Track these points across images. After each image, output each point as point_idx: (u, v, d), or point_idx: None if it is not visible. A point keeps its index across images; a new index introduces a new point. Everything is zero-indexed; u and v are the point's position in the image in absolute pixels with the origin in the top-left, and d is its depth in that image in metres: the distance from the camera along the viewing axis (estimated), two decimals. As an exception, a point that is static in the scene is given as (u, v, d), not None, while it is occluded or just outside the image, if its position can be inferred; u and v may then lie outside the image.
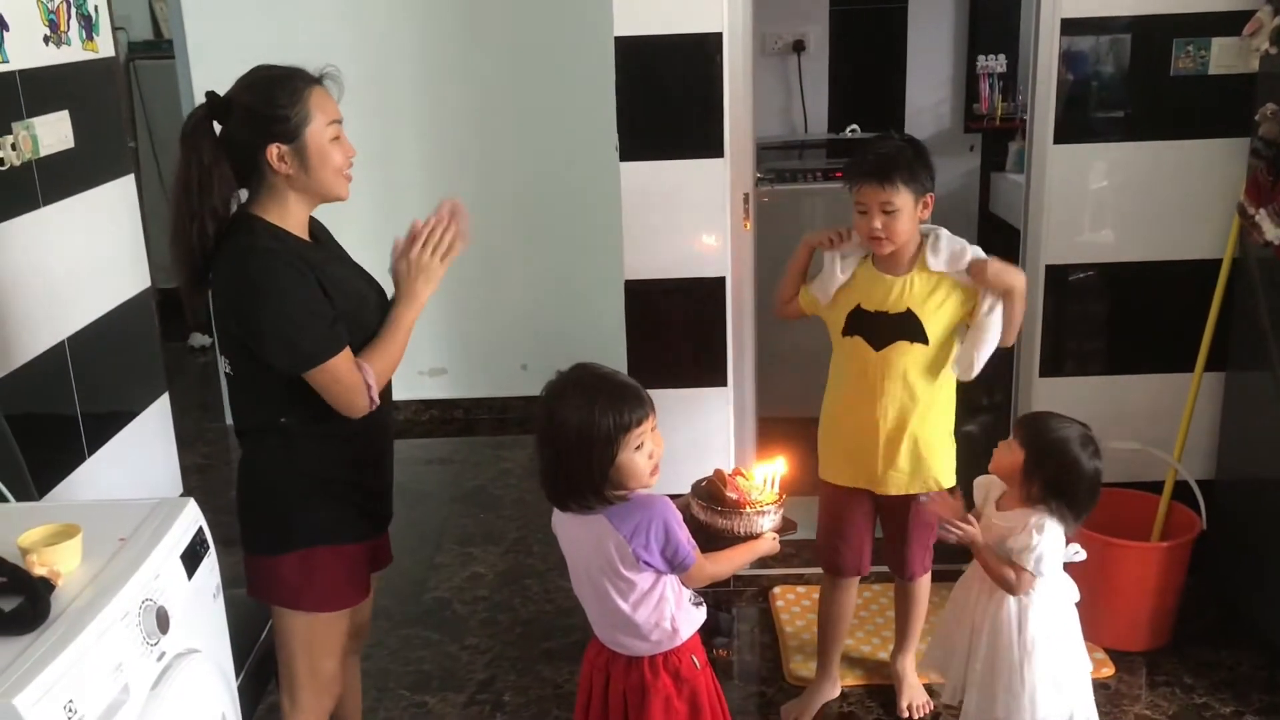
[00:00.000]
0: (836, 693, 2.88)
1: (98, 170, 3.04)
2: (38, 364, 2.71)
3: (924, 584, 2.80)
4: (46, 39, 2.81)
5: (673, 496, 2.14)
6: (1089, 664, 2.44)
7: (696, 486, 2.20)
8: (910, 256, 2.56)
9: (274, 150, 1.99)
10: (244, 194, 2.09)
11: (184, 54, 4.56)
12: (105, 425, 3.03)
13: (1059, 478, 2.27)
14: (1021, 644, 2.33)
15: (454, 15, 4.53)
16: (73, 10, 2.92)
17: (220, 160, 2.00)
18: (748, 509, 2.12)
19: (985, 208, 5.06)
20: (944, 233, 2.58)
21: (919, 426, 2.59)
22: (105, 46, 3.12)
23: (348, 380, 2.00)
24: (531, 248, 4.76)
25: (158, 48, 6.10)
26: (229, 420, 2.09)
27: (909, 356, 2.55)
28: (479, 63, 4.56)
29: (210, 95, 2.02)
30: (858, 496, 2.71)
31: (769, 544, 2.14)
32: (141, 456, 3.21)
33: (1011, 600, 2.33)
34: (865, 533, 2.76)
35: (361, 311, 2.10)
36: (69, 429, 2.86)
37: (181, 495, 3.33)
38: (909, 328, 2.54)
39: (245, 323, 1.98)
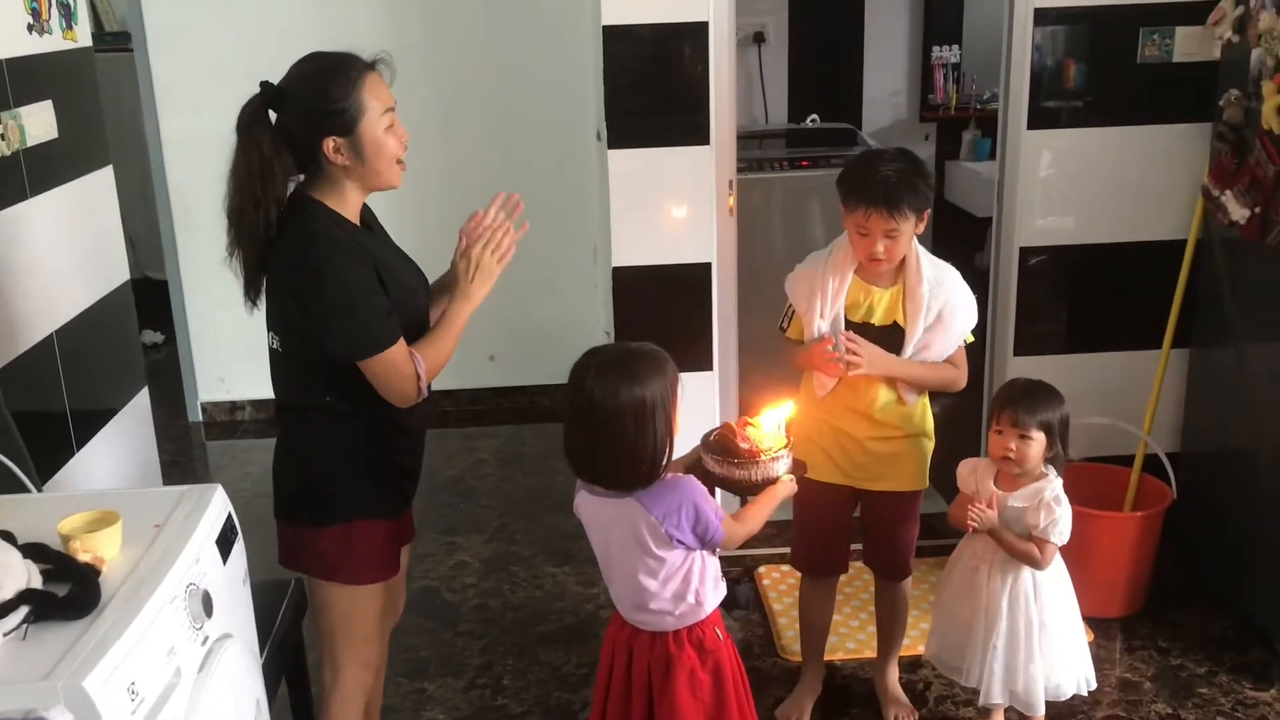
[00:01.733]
0: (818, 693, 2.87)
1: (80, 160, 3.00)
2: (30, 356, 2.68)
3: (907, 586, 2.79)
4: (30, 27, 2.77)
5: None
6: (1079, 615, 2.55)
7: (706, 440, 2.22)
8: (896, 268, 2.52)
9: (330, 144, 1.99)
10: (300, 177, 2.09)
11: (143, 47, 4.48)
12: (92, 419, 2.99)
13: (1065, 433, 2.45)
14: (1040, 613, 2.44)
15: (419, 3, 4.50)
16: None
17: (281, 150, 2.00)
18: (762, 456, 2.15)
19: (941, 195, 5.19)
20: (948, 278, 2.53)
21: (904, 428, 2.58)
22: (84, 36, 3.08)
23: (402, 370, 2.03)
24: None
25: (100, 40, 5.96)
26: (272, 396, 2.09)
27: None
28: (446, 53, 4.52)
29: (264, 85, 2.01)
30: (838, 494, 2.66)
31: (788, 486, 2.18)
32: (126, 450, 3.18)
33: (1026, 575, 2.42)
34: (845, 532, 2.74)
35: (412, 301, 2.13)
36: (58, 423, 2.82)
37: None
38: (891, 341, 2.52)
39: (306, 307, 1.99)
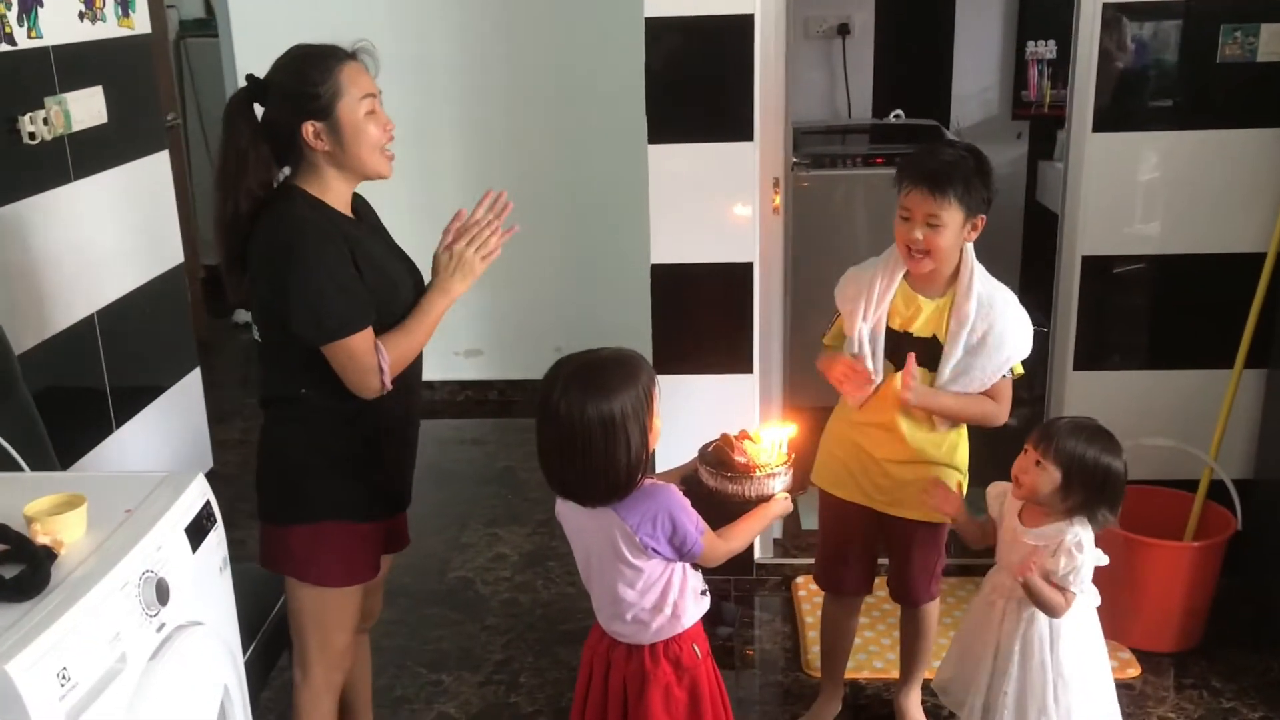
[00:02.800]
0: (838, 709, 2.78)
1: (131, 146, 3.07)
2: (67, 336, 2.75)
3: (931, 611, 2.65)
4: (81, 15, 2.84)
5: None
6: (1110, 675, 2.35)
7: (704, 453, 2.15)
8: (947, 279, 2.38)
9: (309, 128, 2.00)
10: (288, 170, 2.11)
11: (228, 32, 4.60)
12: (134, 399, 3.07)
13: (1102, 489, 2.18)
14: (1055, 664, 2.25)
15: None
16: (108, -13, 2.95)
17: (258, 142, 2.02)
18: (757, 472, 2.07)
19: (1031, 196, 4.97)
20: (1001, 299, 2.36)
21: (930, 454, 2.44)
22: (142, 24, 3.15)
23: (363, 360, 2.00)
24: (567, 230, 4.75)
25: (209, 26, 6.16)
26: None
27: (928, 383, 2.39)
28: (518, 43, 4.55)
29: (250, 78, 2.05)
30: (858, 512, 2.54)
31: (782, 505, 2.10)
32: (171, 430, 3.25)
33: (1042, 618, 2.24)
34: (868, 553, 2.61)
35: (393, 294, 2.10)
36: (97, 401, 2.90)
37: (212, 470, 3.41)
38: (930, 354, 2.38)
39: (274, 287, 2.00)
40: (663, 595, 2.01)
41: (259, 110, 2.03)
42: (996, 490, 2.39)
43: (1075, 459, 2.17)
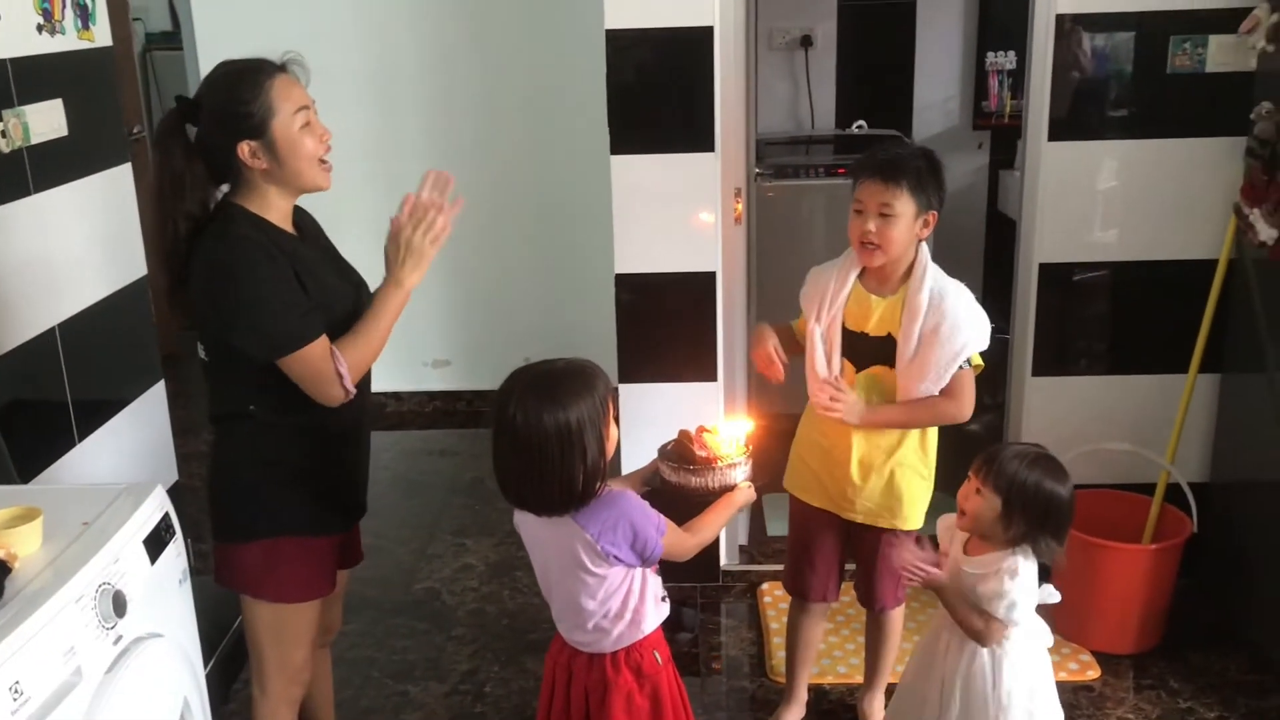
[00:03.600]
0: (802, 714, 2.80)
1: (92, 159, 3.05)
2: (28, 349, 2.73)
3: (896, 617, 2.67)
4: (40, 28, 2.83)
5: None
6: (1060, 714, 2.30)
7: (663, 450, 2.18)
8: (899, 277, 2.42)
9: (245, 147, 1.99)
10: (225, 187, 2.10)
11: (193, 44, 4.60)
12: (97, 412, 3.05)
13: (1044, 517, 2.13)
14: (996, 698, 2.19)
15: (458, 5, 4.53)
16: (67, 0, 2.94)
17: (194, 163, 2.01)
18: (719, 463, 2.10)
19: (993, 205, 5.03)
20: (954, 292, 2.38)
21: (894, 458, 2.46)
22: (102, 36, 3.13)
23: (321, 369, 2.00)
24: (536, 239, 4.77)
25: (175, 38, 6.14)
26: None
27: (886, 382, 2.42)
28: (483, 54, 4.57)
29: (180, 99, 2.03)
30: (827, 519, 2.57)
31: (746, 494, 2.13)
32: (134, 443, 3.24)
33: (984, 651, 2.20)
34: (834, 559, 2.63)
35: (339, 306, 2.09)
36: (59, 415, 2.88)
37: (176, 482, 3.40)
38: (886, 354, 2.41)
39: (218, 307, 1.99)
40: (623, 602, 2.02)
41: (192, 130, 2.02)
42: (946, 523, 2.36)
43: (1015, 485, 2.12)
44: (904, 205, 2.32)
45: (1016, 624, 2.16)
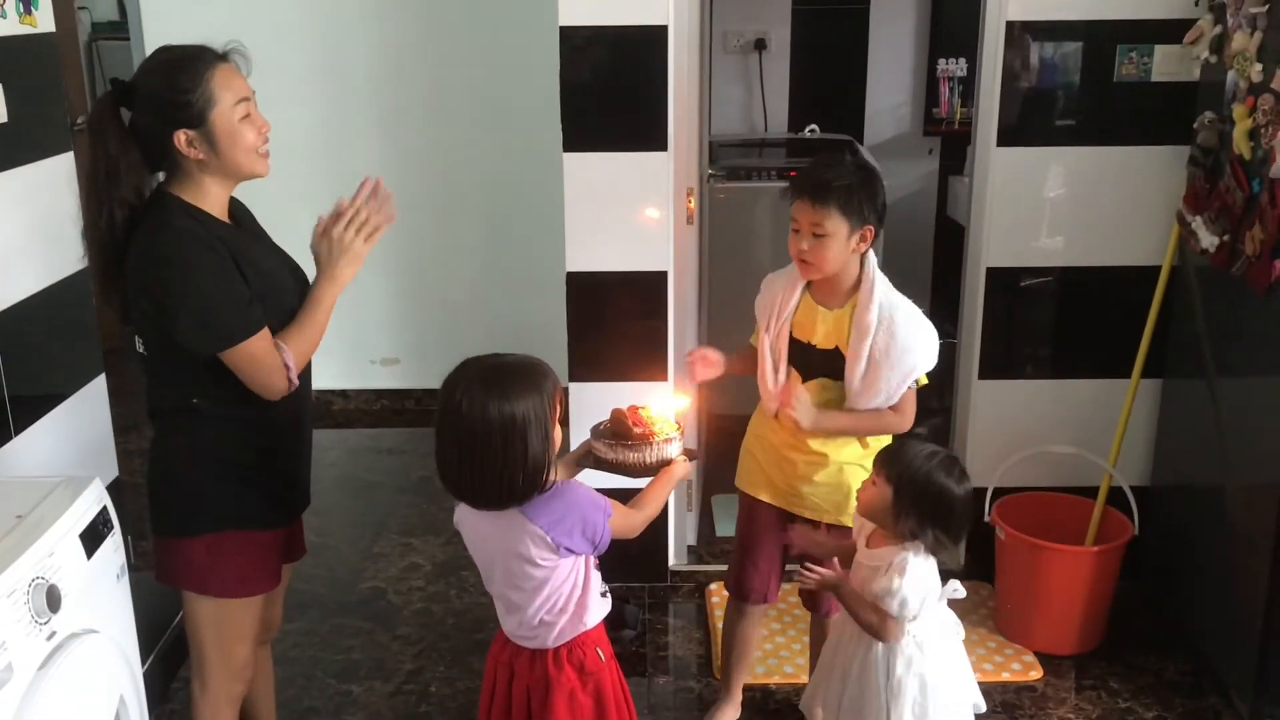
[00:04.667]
0: (737, 714, 2.81)
1: (33, 147, 2.98)
2: (-37, 341, 2.67)
3: (840, 621, 2.64)
4: (-20, 12, 2.76)
5: (606, 493, 2.12)
6: (980, 704, 2.32)
7: (596, 429, 2.20)
8: (847, 290, 2.41)
9: (181, 136, 1.96)
10: (161, 175, 2.06)
11: (139, 34, 4.52)
12: (34, 406, 2.98)
13: (933, 509, 2.14)
14: (889, 688, 2.21)
15: (411, 1, 4.50)
16: (9, -16, 2.88)
17: (129, 148, 1.97)
18: (655, 438, 2.13)
19: (942, 211, 5.08)
20: (904, 310, 2.38)
21: (841, 459, 2.47)
22: (45, 22, 3.07)
23: (265, 361, 1.97)
24: (486, 237, 4.74)
25: (122, 28, 6.04)
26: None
27: (832, 393, 2.43)
28: (436, 50, 4.53)
29: (114, 82, 1.99)
30: (774, 517, 2.57)
31: (684, 467, 2.16)
32: (73, 438, 3.17)
33: (880, 645, 2.21)
34: (776, 559, 2.63)
35: (279, 297, 2.07)
36: (-6, 407, 2.82)
37: (117, 478, 3.33)
38: (833, 366, 2.41)
39: (157, 301, 1.96)
40: (568, 596, 2.01)
41: (127, 115, 1.98)
42: (858, 519, 2.37)
43: (906, 476, 2.15)
44: (835, 225, 2.32)
45: (910, 619, 2.18)
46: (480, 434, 1.85)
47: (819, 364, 2.44)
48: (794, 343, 2.48)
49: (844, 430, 2.45)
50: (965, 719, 2.30)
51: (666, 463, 2.15)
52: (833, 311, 2.43)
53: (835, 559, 2.25)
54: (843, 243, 2.34)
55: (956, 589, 2.24)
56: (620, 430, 2.16)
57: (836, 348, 2.42)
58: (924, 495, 2.14)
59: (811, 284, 2.46)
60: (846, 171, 2.36)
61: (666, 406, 2.23)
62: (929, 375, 2.44)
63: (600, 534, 1.98)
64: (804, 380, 2.47)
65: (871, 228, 2.37)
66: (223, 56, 2.00)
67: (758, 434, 2.61)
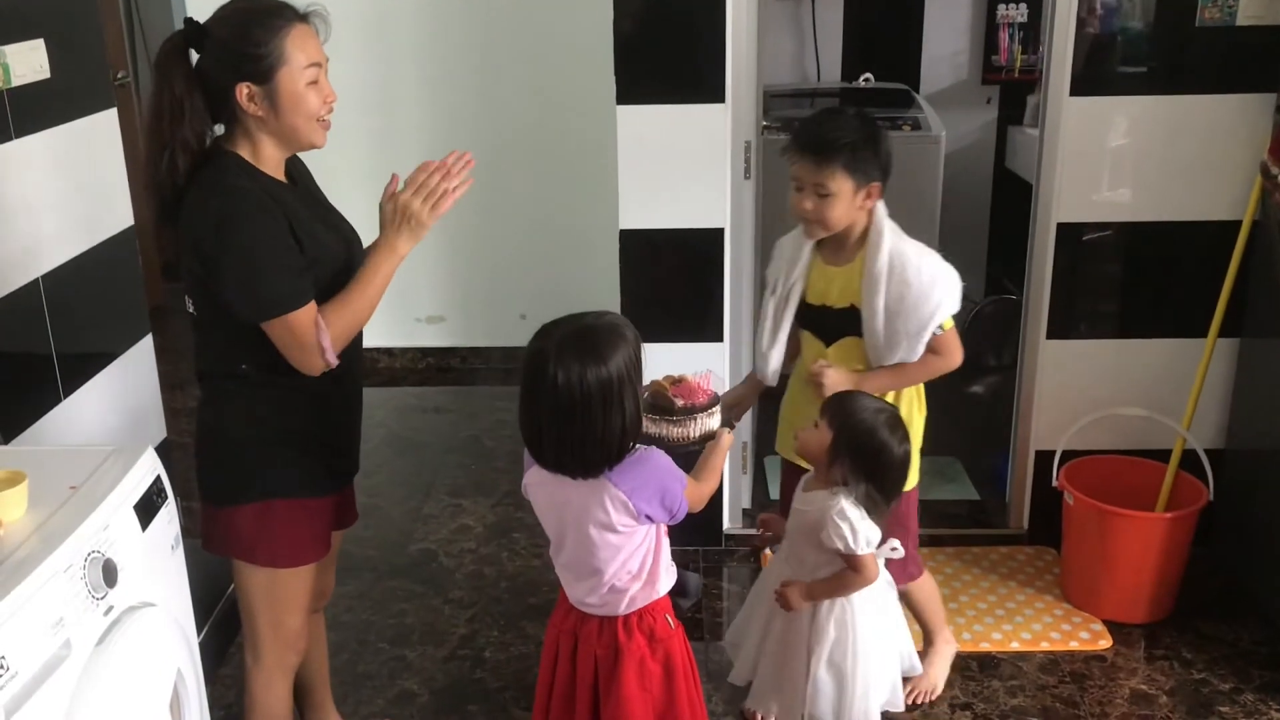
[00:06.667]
0: None
1: (77, 103, 2.93)
2: (9, 302, 2.63)
3: (913, 590, 2.59)
4: (21, -36, 2.69)
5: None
6: (910, 660, 2.36)
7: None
8: (854, 244, 2.35)
9: (243, 89, 1.89)
10: (220, 129, 2.00)
11: (179, -14, 4.44)
12: (83, 366, 2.95)
13: (869, 462, 2.13)
14: (813, 630, 2.23)
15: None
16: (49, -66, 2.80)
17: (193, 91, 1.91)
18: (699, 413, 2.10)
19: (1001, 163, 4.92)
20: (914, 255, 2.32)
21: None
22: (86, -26, 3.00)
23: (303, 338, 1.90)
24: (533, 194, 4.65)
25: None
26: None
27: (859, 351, 2.37)
28: (484, 4, 4.42)
29: (188, 21, 1.93)
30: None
31: (728, 438, 2.13)
32: (123, 399, 3.14)
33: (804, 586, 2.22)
34: None
35: (333, 262, 2.00)
36: (44, 370, 2.78)
37: (166, 439, 3.30)
38: (853, 324, 2.36)
39: (207, 262, 1.90)
40: (641, 562, 1.97)
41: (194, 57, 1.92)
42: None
43: (848, 425, 2.14)
44: (839, 184, 2.26)
45: (873, 548, 2.14)
46: (580, 403, 1.80)
47: (838, 324, 2.39)
48: (809, 308, 2.43)
49: (888, 387, 2.38)
50: (891, 670, 2.31)
51: (710, 435, 2.11)
52: (842, 268, 2.37)
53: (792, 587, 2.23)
54: (847, 201, 2.28)
55: (895, 548, 2.22)
56: (661, 404, 2.11)
57: (852, 305, 2.36)
58: (863, 447, 2.14)
59: (820, 244, 2.40)
60: (849, 127, 2.29)
61: (700, 376, 2.18)
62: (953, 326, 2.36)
63: (678, 504, 1.94)
64: (827, 342, 2.42)
65: (878, 184, 2.31)
66: (303, 16, 1.93)
67: (794, 401, 2.55)
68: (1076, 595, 3.04)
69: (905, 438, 2.18)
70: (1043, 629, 2.94)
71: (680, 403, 2.10)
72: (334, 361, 1.94)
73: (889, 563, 2.50)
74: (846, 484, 2.15)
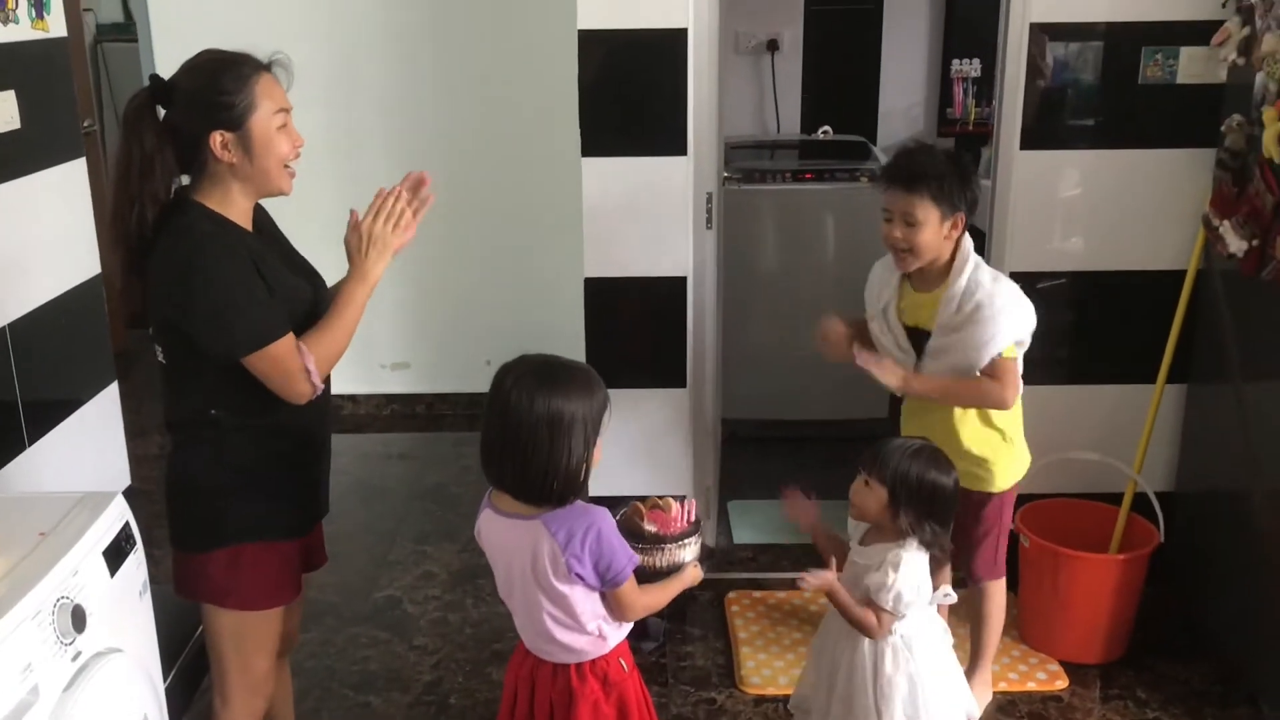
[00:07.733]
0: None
1: (46, 153, 2.95)
2: (-24, 350, 2.64)
3: (992, 591, 2.69)
4: (-8, 17, 2.73)
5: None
6: (974, 712, 2.33)
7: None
8: (938, 273, 2.48)
9: (218, 138, 1.94)
10: (185, 179, 2.04)
11: (148, 36, 4.49)
12: (48, 414, 2.95)
13: (928, 505, 2.16)
14: (878, 688, 2.20)
15: (422, 1, 4.46)
16: (22, -12, 2.84)
17: (163, 146, 1.95)
18: (669, 544, 2.05)
19: (957, 213, 5.04)
20: (989, 282, 2.44)
21: (973, 433, 2.54)
22: (57, 27, 3.03)
23: (289, 366, 1.94)
24: (497, 241, 4.71)
25: (127, 30, 6.01)
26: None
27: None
28: (449, 51, 4.50)
29: (154, 78, 1.98)
30: None
31: (693, 573, 2.09)
32: (87, 446, 3.13)
33: (867, 640, 2.21)
34: None
35: (302, 305, 2.04)
36: (9, 418, 2.78)
37: (130, 487, 3.29)
38: None
39: (180, 306, 1.93)
40: (590, 623, 1.97)
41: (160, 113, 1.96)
42: (854, 521, 2.36)
43: (900, 477, 2.16)
44: (927, 213, 2.39)
45: (903, 615, 2.17)
46: (527, 424, 1.84)
47: (920, 346, 2.52)
48: (908, 329, 2.55)
49: (934, 390, 2.49)
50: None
51: (678, 568, 2.07)
52: (930, 294, 2.50)
53: (834, 559, 2.24)
54: (935, 230, 2.40)
55: (948, 594, 2.27)
56: (633, 528, 2.08)
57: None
58: (919, 493, 2.16)
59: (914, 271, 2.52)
60: (938, 160, 2.44)
61: (684, 504, 2.14)
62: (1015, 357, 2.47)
63: (615, 568, 1.91)
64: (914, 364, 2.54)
65: (963, 214, 2.43)
66: (266, 66, 1.99)
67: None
68: (1033, 636, 3.10)
69: (950, 466, 2.21)
70: (1000, 669, 2.98)
71: (652, 529, 2.07)
72: (320, 385, 1.97)
73: (974, 556, 2.63)
74: (913, 531, 2.16)
